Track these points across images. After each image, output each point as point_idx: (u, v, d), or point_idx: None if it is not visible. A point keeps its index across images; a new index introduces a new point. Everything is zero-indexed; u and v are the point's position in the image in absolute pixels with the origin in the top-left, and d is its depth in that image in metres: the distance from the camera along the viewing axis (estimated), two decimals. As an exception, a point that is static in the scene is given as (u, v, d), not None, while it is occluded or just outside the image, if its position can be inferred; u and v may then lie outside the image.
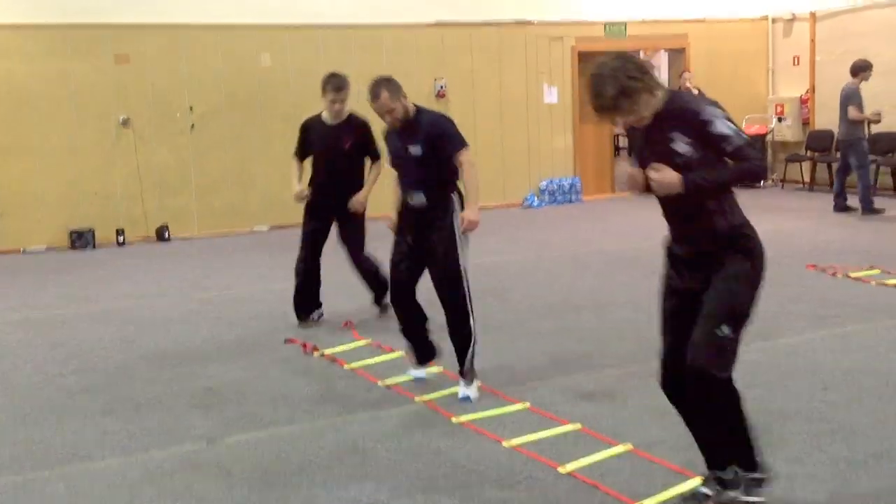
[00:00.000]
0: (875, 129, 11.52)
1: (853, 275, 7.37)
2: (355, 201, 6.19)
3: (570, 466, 3.84)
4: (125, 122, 10.89)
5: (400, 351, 5.46)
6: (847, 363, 5.13)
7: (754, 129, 14.53)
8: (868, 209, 10.85)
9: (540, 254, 9.08)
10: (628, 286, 7.32)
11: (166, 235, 10.92)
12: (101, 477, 3.97)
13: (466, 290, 4.74)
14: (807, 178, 14.30)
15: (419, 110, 4.90)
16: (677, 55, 14.63)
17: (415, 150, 4.79)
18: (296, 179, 6.32)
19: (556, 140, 13.20)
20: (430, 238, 4.79)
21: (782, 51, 14.72)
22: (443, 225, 4.76)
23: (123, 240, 10.81)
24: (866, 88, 11.10)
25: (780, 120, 14.60)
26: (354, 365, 5.47)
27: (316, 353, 5.74)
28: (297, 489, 3.79)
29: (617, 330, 6.05)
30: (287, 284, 6.51)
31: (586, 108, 8.86)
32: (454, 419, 4.49)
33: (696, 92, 13.77)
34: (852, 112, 10.76)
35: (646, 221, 10.78)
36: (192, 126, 11.24)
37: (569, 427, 4.32)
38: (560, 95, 13.18)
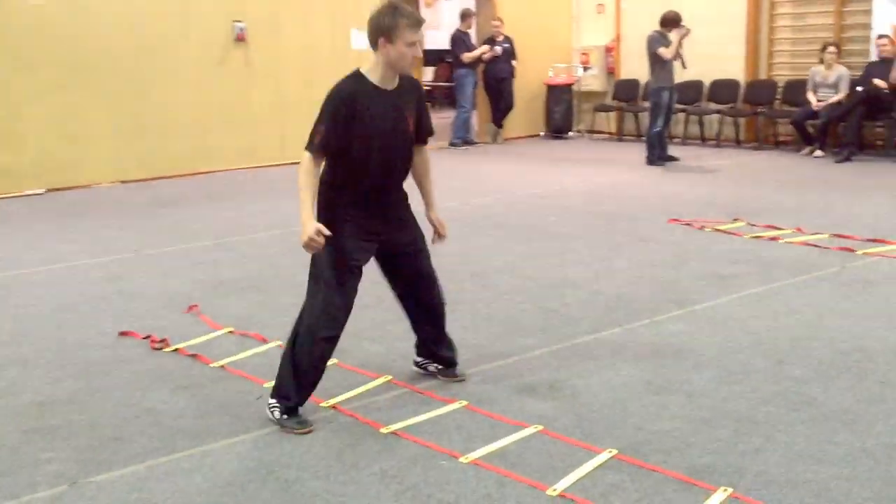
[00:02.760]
0: (680, 77, 11.35)
1: (721, 228, 7.09)
2: (439, 222, 4.06)
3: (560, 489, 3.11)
4: None
5: (276, 340, 4.51)
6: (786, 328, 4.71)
7: (560, 79, 14.29)
8: (654, 158, 10.85)
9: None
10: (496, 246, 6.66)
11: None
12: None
13: None
14: (614, 129, 14.26)
15: None
16: (486, 2, 14.05)
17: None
18: (311, 201, 3.58)
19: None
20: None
21: (587, -1, 14.47)
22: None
23: None
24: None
25: (586, 69, 14.40)
26: (223, 362, 4.45)
27: (167, 349, 4.66)
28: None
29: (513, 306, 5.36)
30: (91, 261, 5.28)
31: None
32: (384, 429, 3.63)
33: (504, 41, 13.28)
34: (662, 51, 10.56)
35: (462, 175, 10.30)
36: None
37: (530, 430, 3.58)
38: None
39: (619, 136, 13.97)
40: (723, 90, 12.77)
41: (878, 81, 10.76)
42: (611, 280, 5.72)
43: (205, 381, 4.20)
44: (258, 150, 11.51)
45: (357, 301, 3.73)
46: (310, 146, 3.59)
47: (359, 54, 12.08)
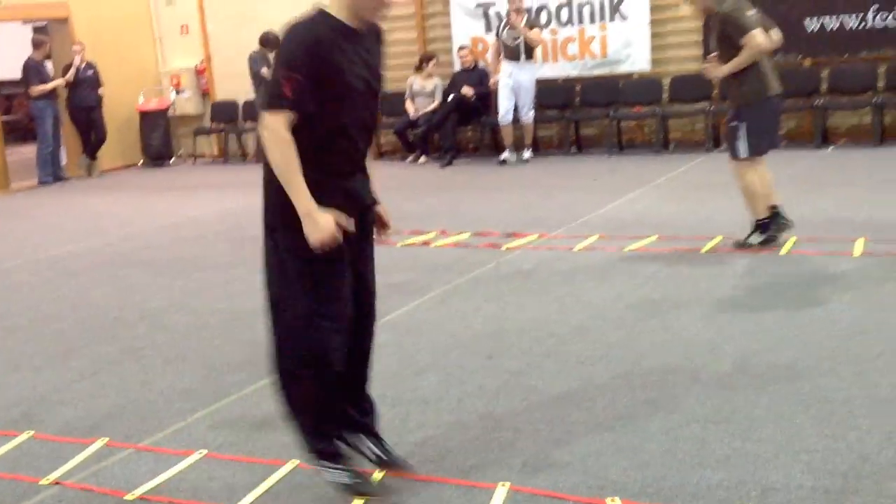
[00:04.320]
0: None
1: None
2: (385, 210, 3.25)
3: None
4: None
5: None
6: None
7: (153, 105, 13.79)
8: None
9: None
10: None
11: None
12: None
13: None
14: (216, 152, 14.05)
15: None
16: (61, 26, 13.10)
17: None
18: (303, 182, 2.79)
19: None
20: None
21: (168, 19, 14.08)
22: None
23: None
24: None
25: (178, 92, 14.02)
26: None
27: None
28: None
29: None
30: None
31: None
32: (129, 496, 3.27)
33: (87, 68, 12.51)
34: (265, 72, 10.64)
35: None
36: None
37: (289, 466, 3.42)
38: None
39: (224, 158, 13.77)
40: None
41: (465, 89, 11.68)
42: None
43: None
44: None
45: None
46: (278, 102, 2.67)
47: None
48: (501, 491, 3.10)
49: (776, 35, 5.96)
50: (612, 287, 5.45)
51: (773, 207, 6.01)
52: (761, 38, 5.70)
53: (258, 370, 4.40)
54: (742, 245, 6.03)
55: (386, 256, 6.56)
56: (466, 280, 5.87)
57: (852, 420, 3.42)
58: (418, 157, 11.99)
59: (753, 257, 5.87)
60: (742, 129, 5.84)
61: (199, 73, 14.00)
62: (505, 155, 11.22)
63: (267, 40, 10.90)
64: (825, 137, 10.41)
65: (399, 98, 12.19)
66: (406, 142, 12.19)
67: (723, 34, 5.85)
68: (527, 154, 11.25)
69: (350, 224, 2.85)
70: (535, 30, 10.96)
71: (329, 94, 2.74)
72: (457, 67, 12.12)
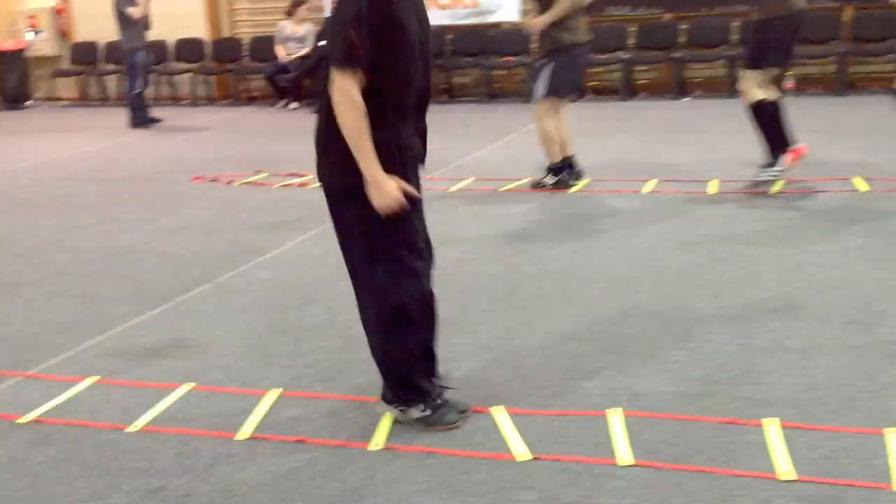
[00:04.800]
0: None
1: (250, 180, 7.33)
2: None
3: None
4: None
5: None
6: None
7: (9, 45, 13.21)
8: (139, 120, 10.63)
9: None
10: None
11: None
12: None
13: None
14: (76, 94, 13.60)
15: None
16: None
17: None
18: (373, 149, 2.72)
19: None
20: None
21: (23, -42, 13.46)
22: None
23: None
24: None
25: (35, 33, 13.46)
26: None
27: None
28: None
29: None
30: None
31: None
32: (21, 420, 3.30)
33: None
34: (131, 11, 10.30)
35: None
36: None
37: (184, 388, 3.52)
38: None
39: (84, 101, 13.35)
40: (189, 49, 12.85)
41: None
42: (172, 240, 5.65)
43: None
44: None
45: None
46: (348, 61, 2.54)
47: None
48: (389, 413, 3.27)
49: None
50: (486, 223, 5.68)
51: (567, 157, 6.41)
52: None
53: (143, 303, 4.47)
54: (537, 185, 6.41)
55: (265, 197, 6.67)
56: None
57: (707, 335, 3.74)
58: (289, 103, 11.94)
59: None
60: (546, 70, 6.20)
61: (57, 12, 13.47)
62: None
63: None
64: (682, 88, 10.92)
65: (269, 43, 12.08)
66: (276, 86, 12.10)
67: None
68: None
69: (413, 190, 2.84)
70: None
71: (393, 52, 2.65)
72: (328, 13, 12.05)
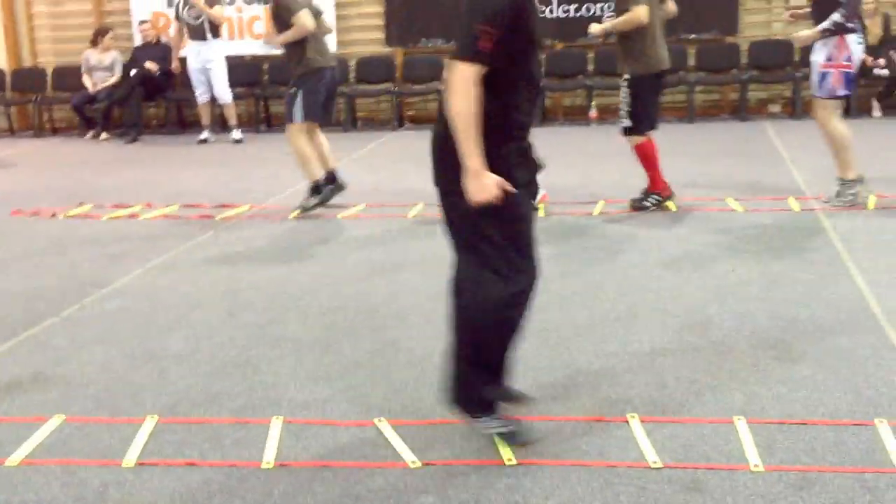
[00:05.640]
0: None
1: (73, 213, 7.11)
2: None
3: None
4: None
5: None
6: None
7: None
8: None
9: None
10: None
11: None
12: None
13: None
14: None
15: None
16: None
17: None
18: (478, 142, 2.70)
19: None
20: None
21: None
22: None
23: None
24: None
25: None
26: None
27: None
28: None
29: None
30: None
31: None
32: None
33: None
34: None
35: None
36: None
37: (56, 421, 3.43)
38: None
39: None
40: (-14, 79, 12.21)
41: (149, 64, 11.42)
42: (5, 275, 5.45)
43: None
44: None
45: None
46: (471, 53, 2.55)
47: None
48: (276, 424, 3.35)
49: (310, 21, 6.50)
50: (334, 249, 5.80)
51: (331, 171, 6.82)
52: (307, 20, 6.39)
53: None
54: (304, 209, 6.64)
55: (94, 229, 6.49)
56: (187, 247, 5.95)
57: (564, 343, 4.03)
58: (99, 133, 11.58)
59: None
60: (299, 96, 6.57)
61: None
62: (205, 135, 11.04)
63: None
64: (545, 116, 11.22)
65: (75, 71, 11.69)
66: (84, 117, 11.72)
67: (276, 14, 6.57)
68: (237, 134, 10.90)
69: (527, 194, 2.87)
70: (217, 7, 10.80)
71: (518, 50, 2.69)
72: (138, 42, 11.82)
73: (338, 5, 11.68)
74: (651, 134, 6.28)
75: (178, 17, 10.85)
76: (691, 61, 11.13)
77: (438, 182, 2.89)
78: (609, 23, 6.22)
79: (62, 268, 5.56)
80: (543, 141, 9.67)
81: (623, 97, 6.24)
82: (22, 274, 5.45)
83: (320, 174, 6.68)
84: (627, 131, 6.28)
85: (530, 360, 3.79)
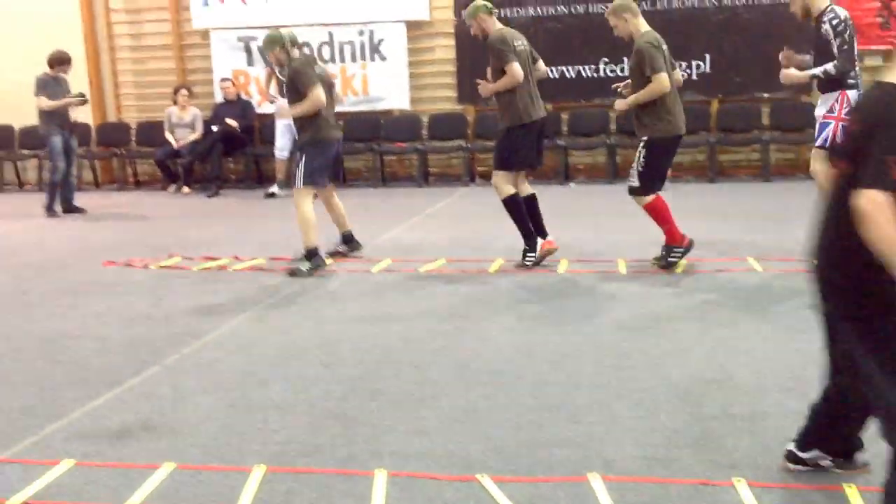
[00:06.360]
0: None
1: (164, 264, 7.32)
2: None
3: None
4: None
5: None
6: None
7: None
8: (50, 209, 10.26)
9: None
10: None
11: None
12: None
13: None
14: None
15: None
16: None
17: None
18: None
19: None
20: None
21: None
22: None
23: None
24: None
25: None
26: None
27: None
28: None
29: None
30: None
31: None
32: (12, 507, 3.27)
33: None
34: (41, 102, 10.23)
35: None
36: None
37: (167, 469, 3.55)
38: None
39: (-1, 186, 12.92)
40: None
41: (229, 121, 11.77)
42: (104, 325, 5.61)
43: None
44: None
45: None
46: (884, 184, 2.62)
47: None
48: (381, 476, 3.42)
49: (323, 97, 6.72)
50: (420, 303, 5.90)
51: (348, 232, 7.28)
52: (321, 96, 6.62)
53: (95, 387, 4.47)
54: (292, 273, 6.70)
55: (186, 280, 6.68)
56: (277, 300, 6.10)
57: (657, 405, 4.05)
58: (181, 187, 11.92)
59: (525, 275, 6.53)
60: (303, 162, 6.80)
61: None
62: (274, 188, 11.33)
63: (54, 60, 10.32)
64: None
65: (157, 127, 12.10)
66: (166, 171, 12.08)
67: (290, 83, 6.77)
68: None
69: None
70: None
71: None
72: (219, 99, 12.19)
73: (411, 64, 11.93)
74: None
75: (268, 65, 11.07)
76: (765, 120, 11.12)
77: (842, 309, 2.88)
78: (633, 98, 6.34)
79: (158, 317, 5.74)
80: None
81: (638, 158, 6.37)
82: (121, 323, 5.63)
83: (318, 242, 6.78)
84: (634, 191, 6.40)
85: (625, 423, 3.81)
